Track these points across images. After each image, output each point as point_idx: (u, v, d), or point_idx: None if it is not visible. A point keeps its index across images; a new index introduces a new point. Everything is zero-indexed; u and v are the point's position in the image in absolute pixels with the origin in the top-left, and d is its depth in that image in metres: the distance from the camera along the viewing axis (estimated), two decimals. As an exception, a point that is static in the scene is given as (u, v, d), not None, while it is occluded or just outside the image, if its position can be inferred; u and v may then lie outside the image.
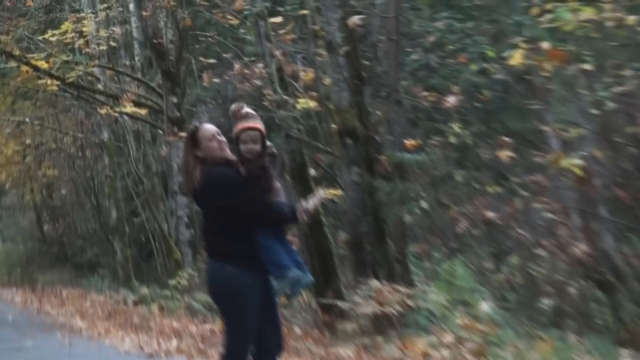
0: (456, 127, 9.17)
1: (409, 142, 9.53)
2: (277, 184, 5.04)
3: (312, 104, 11.81)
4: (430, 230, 10.32)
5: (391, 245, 9.79)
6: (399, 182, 9.16)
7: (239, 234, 4.79)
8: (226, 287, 4.77)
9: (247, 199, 4.79)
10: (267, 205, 4.85)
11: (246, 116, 5.00)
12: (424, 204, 8.68)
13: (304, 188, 10.84)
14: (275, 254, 4.81)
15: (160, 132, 17.84)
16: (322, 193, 5.35)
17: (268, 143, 5.01)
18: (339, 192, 11.63)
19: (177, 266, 16.43)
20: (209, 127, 5.03)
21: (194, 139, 4.97)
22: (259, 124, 4.98)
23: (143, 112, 16.70)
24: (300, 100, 11.81)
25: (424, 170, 9.25)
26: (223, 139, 4.99)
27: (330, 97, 10.88)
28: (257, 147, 4.89)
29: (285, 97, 11.22)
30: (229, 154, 4.97)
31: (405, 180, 9.31)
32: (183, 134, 13.75)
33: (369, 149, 10.04)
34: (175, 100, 15.55)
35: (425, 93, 11.19)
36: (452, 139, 9.09)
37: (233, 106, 5.08)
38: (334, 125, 10.45)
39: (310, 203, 4.94)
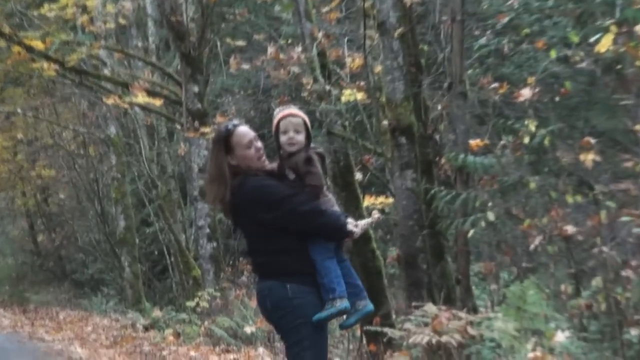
0: (531, 125, 9.26)
1: (475, 143, 9.64)
2: (329, 194, 5.19)
3: (359, 95, 11.96)
4: (497, 247, 10.43)
5: (451, 264, 9.96)
6: (461, 190, 9.31)
7: (292, 249, 4.95)
8: (290, 307, 4.90)
9: (293, 208, 4.90)
10: (317, 213, 4.96)
11: (287, 107, 5.22)
12: (490, 216, 8.77)
13: (349, 195, 11.06)
14: (327, 273, 4.94)
15: (178, 127, 18.09)
16: (376, 216, 5.46)
17: (313, 145, 5.15)
18: (390, 200, 11.80)
19: (197, 285, 16.67)
20: (245, 132, 5.12)
21: (227, 145, 5.08)
22: (302, 113, 5.14)
23: (157, 103, 16.74)
24: (346, 92, 11.98)
25: (491, 175, 9.37)
26: (260, 145, 5.12)
27: (381, 88, 11.03)
28: (300, 137, 5.04)
29: (328, 87, 11.37)
30: (267, 164, 5.12)
31: (469, 188, 9.44)
32: (205, 130, 14.06)
33: (427, 149, 10.22)
34: (196, 89, 15.78)
35: (495, 84, 11.31)
36: (526, 139, 9.18)
37: (277, 110, 5.26)
38: (385, 122, 10.62)
39: (359, 226, 5.08)
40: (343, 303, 4.90)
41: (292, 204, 4.90)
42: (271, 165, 5.15)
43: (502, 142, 9.65)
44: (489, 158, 9.17)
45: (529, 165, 9.40)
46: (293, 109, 5.18)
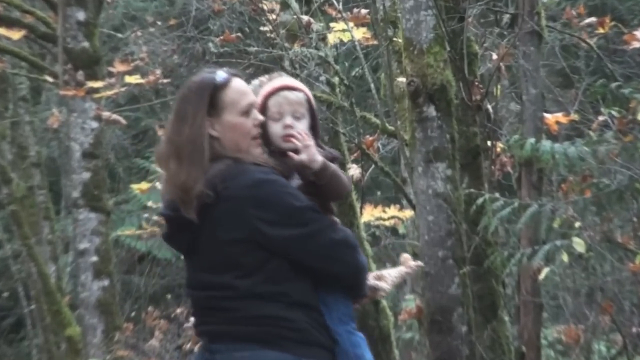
0: (650, 90, 9.28)
1: (554, 118, 9.65)
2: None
3: (359, 33, 11.95)
4: (589, 298, 10.46)
5: (509, 326, 9.95)
6: (529, 199, 9.30)
7: (307, 302, 4.85)
8: None
9: (319, 230, 4.83)
10: (351, 246, 4.93)
11: (277, 74, 5.17)
12: (578, 245, 8.76)
13: (339, 203, 11.01)
14: (359, 356, 4.91)
15: (49, 80, 18.04)
16: (413, 264, 5.32)
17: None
18: (407, 213, 11.76)
19: (73, 353, 16.66)
20: (247, 89, 5.03)
21: (213, 101, 4.93)
22: (304, 87, 5.10)
23: (15, 37, 16.77)
24: (336, 26, 11.95)
25: (581, 175, 9.37)
26: (262, 118, 5.01)
27: (396, 22, 11.02)
28: (302, 126, 4.98)
29: (306, 17, 11.35)
30: (262, 153, 5.01)
31: (542, 195, 9.45)
32: (95, 85, 13.97)
33: (472, 128, 10.20)
34: (81, 17, 15.73)
35: (591, 19, 11.31)
36: (641, 115, 9.20)
37: (257, 81, 5.19)
38: (401, 79, 10.59)
39: (389, 280, 5.09)
40: None
41: (319, 223, 4.85)
42: (268, 158, 4.98)
43: (600, 118, 9.66)
44: (577, 145, 9.13)
45: (644, 160, 9.38)
46: (289, 78, 5.13)
